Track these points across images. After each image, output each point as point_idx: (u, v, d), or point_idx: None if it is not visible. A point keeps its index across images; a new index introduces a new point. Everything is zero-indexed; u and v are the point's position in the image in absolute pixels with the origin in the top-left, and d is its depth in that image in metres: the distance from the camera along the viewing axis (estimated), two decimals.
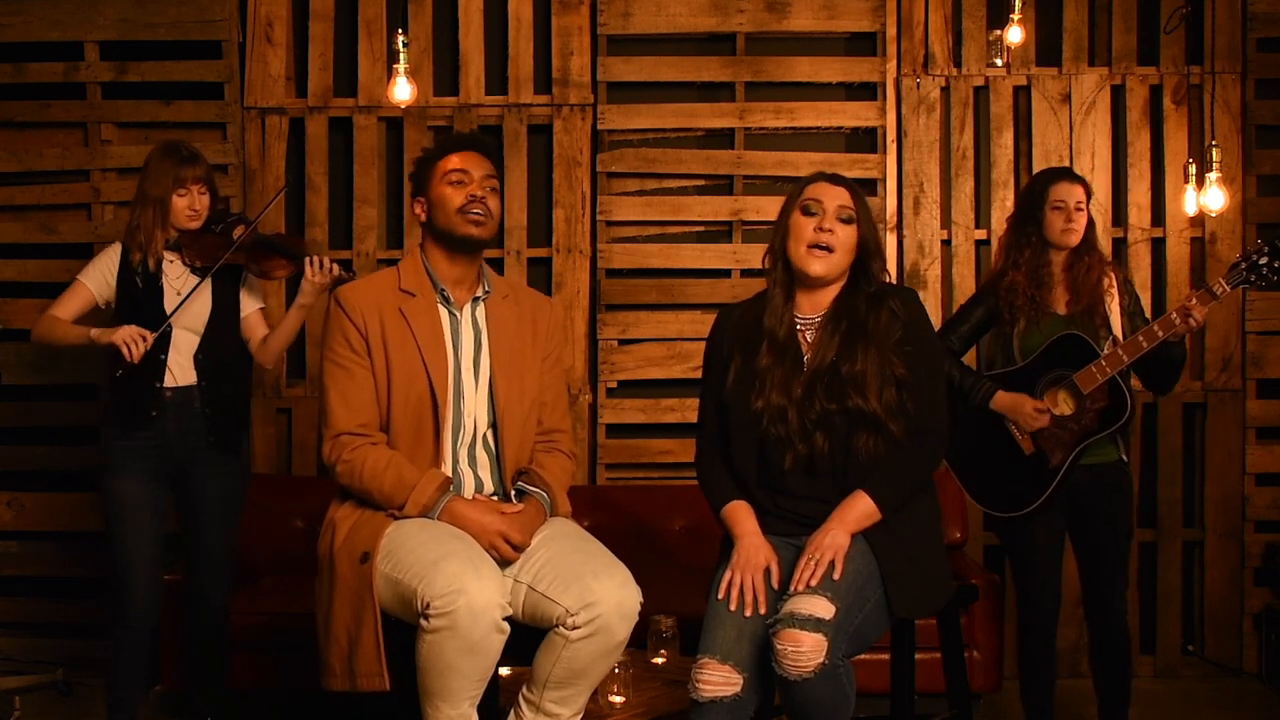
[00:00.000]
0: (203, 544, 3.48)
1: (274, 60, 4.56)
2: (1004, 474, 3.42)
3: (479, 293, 2.84)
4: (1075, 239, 3.39)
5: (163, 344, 3.38)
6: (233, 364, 3.52)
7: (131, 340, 3.27)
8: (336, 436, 2.71)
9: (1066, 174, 3.48)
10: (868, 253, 2.69)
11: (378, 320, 2.74)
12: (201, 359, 3.42)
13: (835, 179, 2.73)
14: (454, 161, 2.80)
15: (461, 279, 2.82)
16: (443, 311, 2.80)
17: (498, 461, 2.81)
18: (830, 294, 2.73)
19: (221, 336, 3.47)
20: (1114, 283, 3.42)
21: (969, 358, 3.70)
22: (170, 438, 3.39)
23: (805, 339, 2.72)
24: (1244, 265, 3.28)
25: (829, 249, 2.65)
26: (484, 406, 2.79)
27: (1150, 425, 4.50)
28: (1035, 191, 3.45)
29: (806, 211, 2.68)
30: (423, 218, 2.84)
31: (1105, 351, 3.30)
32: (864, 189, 2.84)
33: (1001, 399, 3.39)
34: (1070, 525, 3.46)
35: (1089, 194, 3.44)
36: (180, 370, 3.41)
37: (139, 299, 3.39)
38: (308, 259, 3.44)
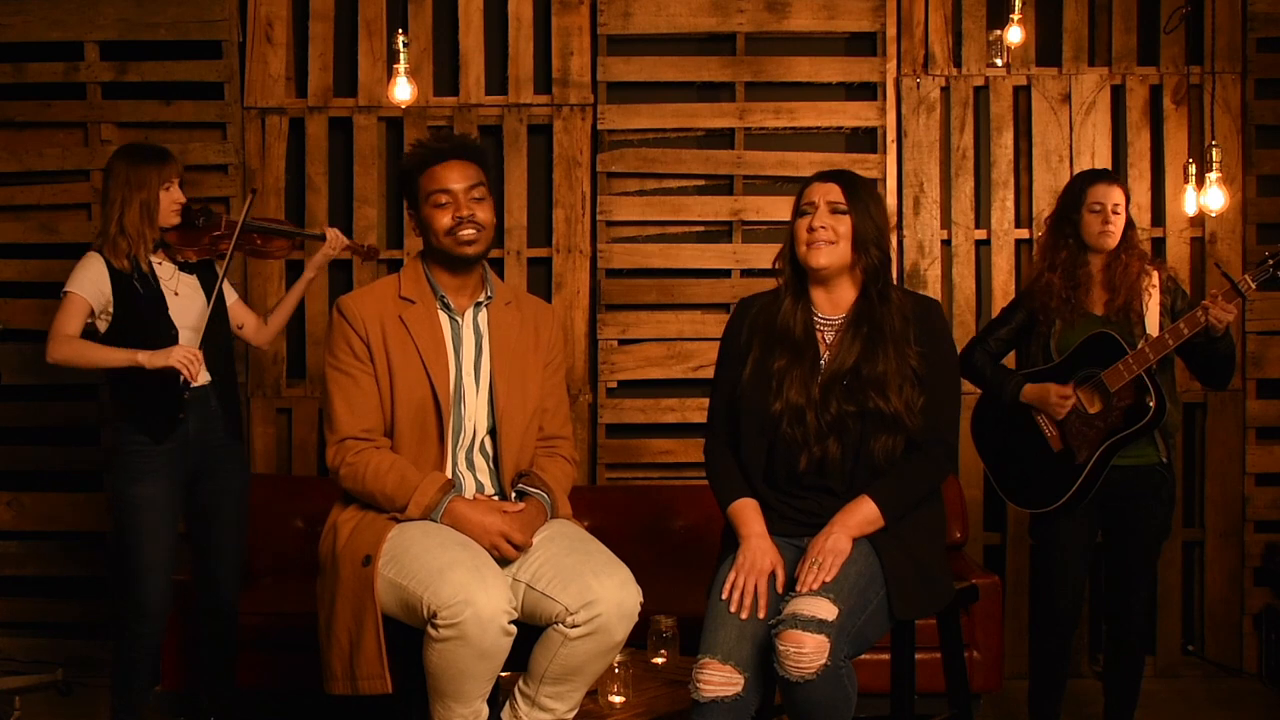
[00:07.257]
0: (218, 542, 3.48)
1: (274, 60, 4.55)
2: (1033, 470, 3.43)
3: (481, 298, 2.84)
4: (1112, 242, 3.37)
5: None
6: (228, 354, 3.56)
7: (190, 361, 3.23)
8: (341, 441, 2.71)
9: (1105, 175, 3.46)
10: (861, 240, 2.69)
11: (379, 327, 2.74)
12: (205, 354, 3.41)
13: (826, 175, 2.77)
14: (435, 179, 2.74)
15: (462, 286, 2.82)
16: (443, 317, 2.80)
17: (495, 465, 2.81)
18: (848, 293, 2.75)
19: (218, 329, 3.49)
20: (1154, 282, 3.38)
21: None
22: (191, 440, 3.39)
23: (824, 339, 2.74)
24: (1271, 262, 3.26)
25: (826, 241, 2.69)
26: (484, 411, 2.79)
27: None
28: (1074, 193, 3.43)
29: (802, 213, 2.75)
30: (417, 233, 2.82)
31: (1135, 349, 3.28)
32: None
33: (1029, 390, 3.39)
34: (1104, 527, 3.44)
35: (1128, 196, 3.43)
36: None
37: (141, 307, 3.35)
38: (330, 228, 3.56)
